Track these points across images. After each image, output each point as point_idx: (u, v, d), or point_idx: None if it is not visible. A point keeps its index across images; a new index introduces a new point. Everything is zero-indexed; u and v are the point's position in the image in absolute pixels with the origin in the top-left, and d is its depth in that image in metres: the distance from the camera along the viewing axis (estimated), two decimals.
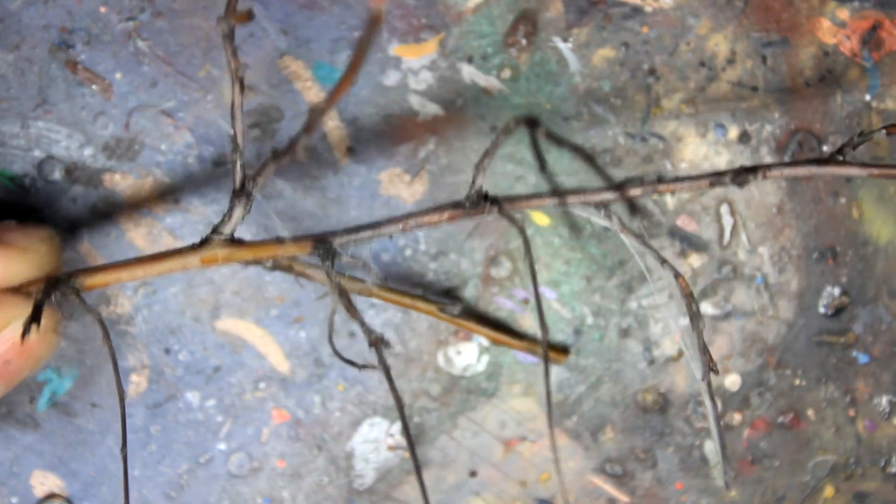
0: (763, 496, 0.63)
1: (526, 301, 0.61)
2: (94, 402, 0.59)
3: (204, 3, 0.58)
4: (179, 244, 0.58)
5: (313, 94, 0.59)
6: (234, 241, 0.47)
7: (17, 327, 0.46)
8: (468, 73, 0.59)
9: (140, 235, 0.58)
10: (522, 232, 0.40)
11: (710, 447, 0.62)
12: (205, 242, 0.47)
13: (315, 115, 0.30)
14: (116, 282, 0.48)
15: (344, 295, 0.39)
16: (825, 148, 0.61)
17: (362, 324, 0.38)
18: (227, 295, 0.59)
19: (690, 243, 0.61)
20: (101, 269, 0.48)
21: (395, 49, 0.59)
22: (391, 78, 0.59)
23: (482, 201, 0.43)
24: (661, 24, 0.60)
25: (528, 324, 0.61)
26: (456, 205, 0.43)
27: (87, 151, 0.58)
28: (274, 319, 0.59)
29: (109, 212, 0.58)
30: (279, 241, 0.45)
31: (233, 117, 0.42)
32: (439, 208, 0.44)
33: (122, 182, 0.58)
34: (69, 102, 0.57)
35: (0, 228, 0.50)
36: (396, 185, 0.59)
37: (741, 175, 0.42)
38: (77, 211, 0.58)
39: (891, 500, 0.64)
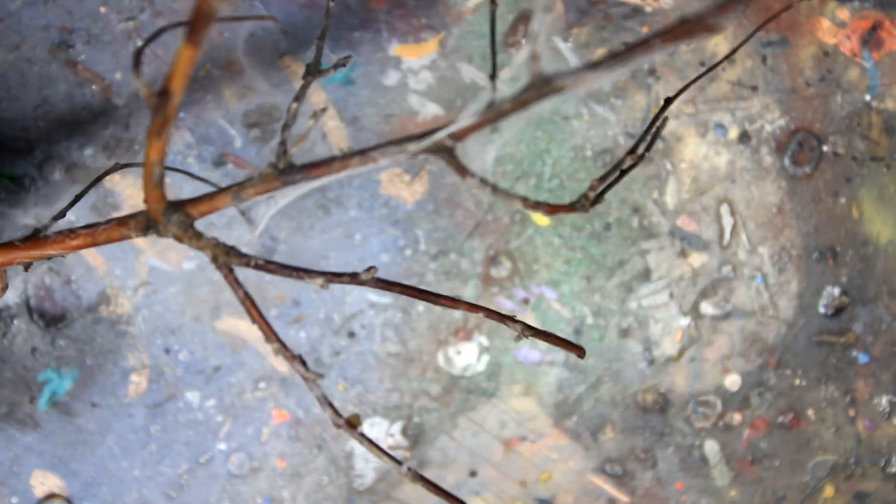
0: (763, 496, 0.63)
1: (526, 301, 0.61)
2: (94, 402, 0.59)
3: None
4: (179, 244, 0.58)
5: (314, 93, 0.59)
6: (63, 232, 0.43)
7: None
8: (468, 73, 0.59)
9: None
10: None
11: (710, 447, 0.62)
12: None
13: None
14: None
15: (223, 266, 0.38)
16: (825, 148, 0.61)
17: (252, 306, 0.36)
18: (227, 295, 0.59)
19: (690, 243, 0.61)
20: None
21: (395, 49, 0.59)
22: (391, 78, 0.59)
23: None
24: (661, 24, 0.60)
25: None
26: None
27: (87, 151, 0.58)
28: (274, 319, 0.59)
29: (109, 212, 0.58)
30: (108, 222, 0.41)
31: None
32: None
33: (122, 182, 0.58)
34: (69, 102, 0.57)
35: None
36: (396, 185, 0.59)
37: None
38: (77, 211, 0.58)
39: (891, 500, 0.64)
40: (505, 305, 0.60)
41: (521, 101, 0.28)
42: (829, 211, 0.61)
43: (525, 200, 0.34)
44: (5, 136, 0.57)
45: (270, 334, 0.36)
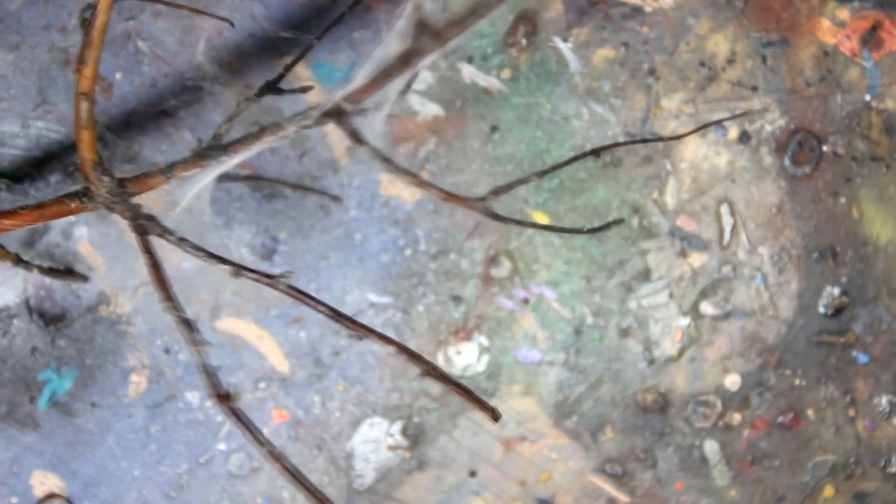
0: (763, 496, 0.63)
1: (526, 301, 0.61)
2: (94, 402, 0.59)
3: (204, 4, 0.58)
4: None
5: (313, 94, 0.59)
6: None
7: None
8: (468, 73, 0.59)
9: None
10: None
11: (710, 447, 0.62)
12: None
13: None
14: None
15: (138, 231, 0.39)
16: (825, 148, 0.61)
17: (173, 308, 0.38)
18: (227, 295, 0.59)
19: (690, 243, 0.61)
20: None
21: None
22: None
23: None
24: (661, 24, 0.60)
25: (529, 324, 0.61)
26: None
27: None
28: (274, 319, 0.59)
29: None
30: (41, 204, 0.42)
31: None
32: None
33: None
34: (69, 102, 0.57)
35: None
36: (396, 185, 0.59)
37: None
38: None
39: (891, 500, 0.64)
40: (505, 305, 0.61)
41: (407, 55, 0.29)
42: (829, 211, 0.61)
43: (416, 177, 0.36)
44: (5, 135, 0.57)
45: (165, 291, 0.37)
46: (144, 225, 0.39)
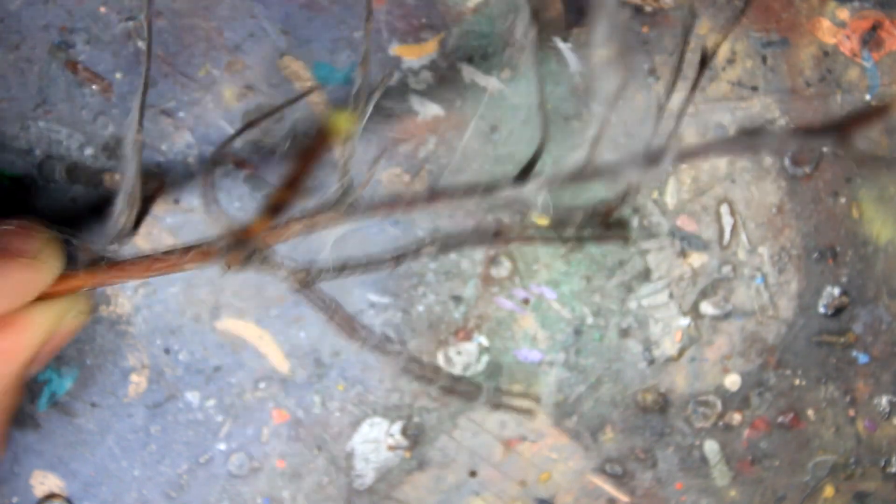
0: (763, 496, 0.63)
1: (526, 301, 0.61)
2: (94, 402, 0.59)
3: (204, 3, 0.58)
4: (179, 245, 0.58)
5: (313, 94, 0.59)
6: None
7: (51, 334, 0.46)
8: (468, 73, 0.59)
9: (140, 236, 0.58)
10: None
11: (710, 447, 0.62)
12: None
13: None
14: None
15: (307, 288, 0.39)
16: (825, 148, 0.61)
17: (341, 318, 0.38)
18: (227, 295, 0.59)
19: (690, 243, 0.61)
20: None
21: (395, 49, 0.59)
22: (391, 78, 0.59)
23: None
24: (661, 24, 0.60)
25: (529, 324, 0.61)
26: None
27: (87, 151, 0.58)
28: (274, 319, 0.59)
29: (109, 212, 0.58)
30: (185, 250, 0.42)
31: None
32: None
33: None
34: (69, 102, 0.57)
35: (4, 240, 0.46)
36: (396, 186, 0.59)
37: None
38: (77, 211, 0.58)
39: (891, 500, 0.64)
40: (505, 305, 0.61)
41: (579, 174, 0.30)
42: (829, 211, 0.61)
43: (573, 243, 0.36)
44: (5, 136, 0.57)
45: (356, 335, 0.37)
46: (312, 279, 0.38)
